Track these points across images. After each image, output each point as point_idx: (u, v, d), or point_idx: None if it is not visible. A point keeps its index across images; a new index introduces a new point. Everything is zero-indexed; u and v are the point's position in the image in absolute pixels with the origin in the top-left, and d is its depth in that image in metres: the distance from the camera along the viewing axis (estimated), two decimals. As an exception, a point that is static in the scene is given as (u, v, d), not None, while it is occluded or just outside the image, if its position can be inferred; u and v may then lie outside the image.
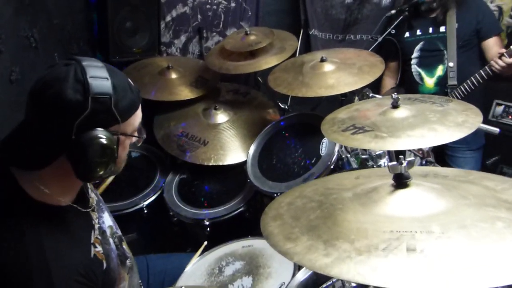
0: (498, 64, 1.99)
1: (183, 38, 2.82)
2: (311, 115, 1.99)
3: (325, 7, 2.76)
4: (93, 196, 1.19)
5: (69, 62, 0.94)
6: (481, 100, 2.28)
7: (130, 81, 1.03)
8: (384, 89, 2.52)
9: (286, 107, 2.40)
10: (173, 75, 2.35)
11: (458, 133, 1.17)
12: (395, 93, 1.35)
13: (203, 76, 2.39)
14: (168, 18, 2.75)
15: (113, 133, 0.95)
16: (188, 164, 2.15)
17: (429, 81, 2.35)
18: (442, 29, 2.27)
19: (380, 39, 2.32)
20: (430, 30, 2.31)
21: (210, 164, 2.08)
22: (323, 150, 1.75)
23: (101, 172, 0.94)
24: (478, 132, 2.27)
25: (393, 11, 2.33)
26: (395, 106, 1.34)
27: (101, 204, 1.22)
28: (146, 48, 2.65)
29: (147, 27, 2.63)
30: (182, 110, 2.32)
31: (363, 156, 1.78)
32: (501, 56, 1.99)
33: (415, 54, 2.35)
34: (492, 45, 2.19)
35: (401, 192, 0.79)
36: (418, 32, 2.33)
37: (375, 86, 2.25)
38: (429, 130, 1.20)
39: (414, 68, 2.37)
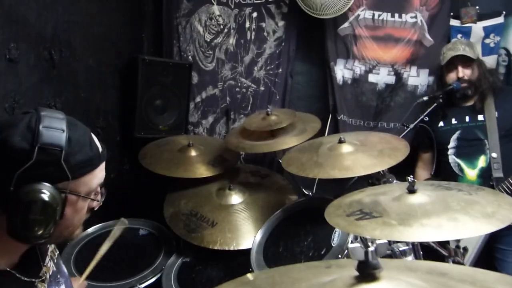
0: None
1: (210, 118, 2.83)
2: (324, 199, 1.79)
3: (355, 93, 2.69)
4: (50, 266, 1.05)
5: (30, 110, 0.88)
6: None
7: (97, 140, 0.95)
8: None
9: (310, 193, 2.23)
10: (193, 153, 2.29)
11: (486, 225, 0.95)
12: (411, 176, 1.17)
13: (223, 156, 2.31)
14: (198, 99, 2.80)
15: (60, 190, 0.84)
16: (194, 247, 1.98)
17: (471, 173, 2.18)
18: (480, 117, 2.16)
19: (412, 126, 2.16)
20: (467, 119, 2.20)
21: (216, 248, 1.90)
22: (335, 240, 1.53)
23: (39, 233, 0.82)
24: None
25: (425, 98, 2.22)
26: (411, 191, 1.15)
27: (59, 277, 1.07)
28: (173, 127, 2.66)
29: (176, 106, 2.67)
30: (195, 188, 2.21)
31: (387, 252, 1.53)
32: None
33: (452, 143, 2.21)
34: None
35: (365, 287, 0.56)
36: (454, 121, 2.23)
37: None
38: (449, 220, 0.99)
39: (453, 158, 2.21)
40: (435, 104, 2.18)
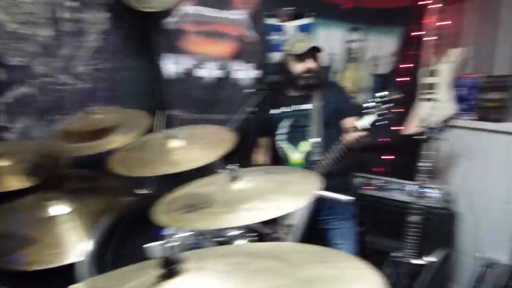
0: (344, 139, 2.09)
1: (23, 121, 2.47)
2: (157, 197, 1.74)
3: (186, 88, 2.71)
4: None
5: None
6: (345, 172, 2.37)
7: None
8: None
9: (150, 191, 2.14)
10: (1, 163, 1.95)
11: (296, 202, 1.05)
12: (234, 164, 1.21)
13: (41, 163, 2.04)
14: (3, 100, 2.40)
15: None
16: (12, 272, 1.69)
17: (296, 156, 2.36)
18: (307, 106, 2.35)
19: (240, 116, 2.27)
20: (296, 107, 2.38)
21: (38, 268, 1.66)
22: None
23: None
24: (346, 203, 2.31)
25: (252, 89, 2.36)
26: (233, 178, 1.20)
27: None
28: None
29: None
30: (6, 205, 1.89)
31: (219, 239, 1.56)
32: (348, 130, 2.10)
33: (282, 130, 2.38)
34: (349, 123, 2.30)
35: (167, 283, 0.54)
36: (284, 109, 2.39)
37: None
38: (266, 201, 1.06)
39: (281, 143, 2.38)
40: (263, 95, 2.32)
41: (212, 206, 1.09)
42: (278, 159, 2.40)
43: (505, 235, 2.55)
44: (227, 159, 1.70)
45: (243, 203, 1.07)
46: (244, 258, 0.58)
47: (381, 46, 3.14)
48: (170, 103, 2.68)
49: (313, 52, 2.34)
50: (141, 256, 1.45)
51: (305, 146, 2.33)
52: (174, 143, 1.68)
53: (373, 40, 3.12)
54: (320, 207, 2.28)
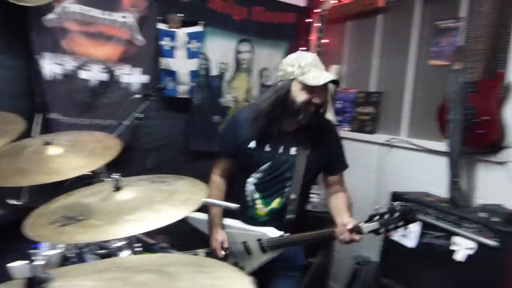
0: (344, 238, 1.68)
1: None
2: (31, 209, 1.59)
3: (67, 90, 2.53)
4: None
5: None
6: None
7: None
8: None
9: (20, 202, 1.93)
10: None
11: (182, 211, 1.05)
12: (118, 174, 1.16)
13: None
14: None
15: None
16: None
17: (262, 210, 1.89)
18: (293, 151, 1.84)
19: (126, 122, 2.19)
20: (281, 149, 1.85)
21: None
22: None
23: None
24: (297, 255, 1.99)
25: (138, 95, 2.29)
26: (117, 188, 1.15)
27: None
28: None
29: None
30: None
31: (101, 251, 1.48)
32: (348, 230, 1.66)
33: (258, 174, 1.86)
34: (336, 182, 1.97)
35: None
36: (267, 148, 1.84)
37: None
38: (152, 212, 1.04)
39: (251, 187, 1.88)
40: (149, 101, 2.25)
41: (93, 218, 1.03)
42: (239, 199, 1.85)
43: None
44: (111, 167, 1.61)
45: (127, 214, 1.04)
46: (122, 273, 0.56)
47: (269, 59, 3.30)
48: (49, 105, 2.47)
49: (327, 85, 1.77)
50: (7, 277, 1.31)
51: (276, 202, 1.86)
52: (53, 150, 1.55)
53: (261, 52, 3.27)
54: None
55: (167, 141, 2.99)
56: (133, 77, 2.71)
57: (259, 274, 1.81)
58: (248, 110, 1.94)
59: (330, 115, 3.23)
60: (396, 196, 2.40)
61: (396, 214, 1.63)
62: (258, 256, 1.86)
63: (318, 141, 1.86)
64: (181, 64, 2.84)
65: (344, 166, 1.99)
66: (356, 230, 1.66)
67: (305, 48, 3.53)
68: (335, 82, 1.78)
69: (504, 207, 2.01)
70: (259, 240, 1.83)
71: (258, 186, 1.86)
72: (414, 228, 2.26)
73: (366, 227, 1.66)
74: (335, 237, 1.71)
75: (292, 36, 3.41)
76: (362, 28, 3.23)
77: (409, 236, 2.29)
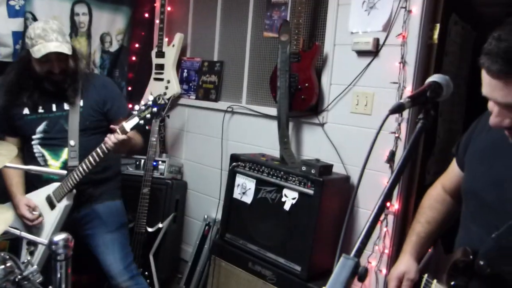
0: (110, 140, 1.89)
1: None
2: None
3: None
4: None
5: None
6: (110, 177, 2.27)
7: None
8: None
9: None
10: None
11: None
12: None
13: None
14: None
15: None
16: None
17: (54, 164, 2.10)
18: (66, 106, 2.08)
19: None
20: (54, 108, 2.09)
21: None
22: None
23: None
24: (114, 213, 2.21)
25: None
26: None
27: None
28: None
29: None
30: None
31: None
32: (114, 132, 1.90)
33: (38, 134, 2.08)
34: None
35: None
36: (40, 110, 2.08)
37: None
38: None
39: (38, 149, 2.09)
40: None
41: None
42: (36, 165, 2.04)
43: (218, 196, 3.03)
44: None
45: None
46: None
47: (110, 23, 3.15)
48: None
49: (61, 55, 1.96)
50: None
51: (65, 153, 2.08)
52: None
53: (101, 15, 3.09)
54: (80, 221, 2.16)
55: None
56: None
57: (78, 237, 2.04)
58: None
59: (174, 83, 3.27)
60: (234, 158, 2.59)
61: (149, 103, 1.86)
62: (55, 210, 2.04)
63: (89, 93, 2.11)
64: (1, 23, 2.50)
65: (124, 111, 2.17)
66: (121, 129, 1.87)
67: (147, 15, 3.46)
68: (62, 53, 1.93)
69: (321, 160, 2.34)
70: (47, 196, 2.05)
71: (42, 143, 2.07)
72: (250, 185, 2.48)
73: (128, 124, 1.87)
74: (107, 146, 1.89)
75: (134, 1, 3.29)
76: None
77: (247, 193, 2.52)
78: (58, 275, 1.14)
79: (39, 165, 2.06)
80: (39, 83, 2.01)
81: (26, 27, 2.60)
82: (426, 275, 1.24)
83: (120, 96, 2.33)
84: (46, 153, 2.09)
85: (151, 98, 1.85)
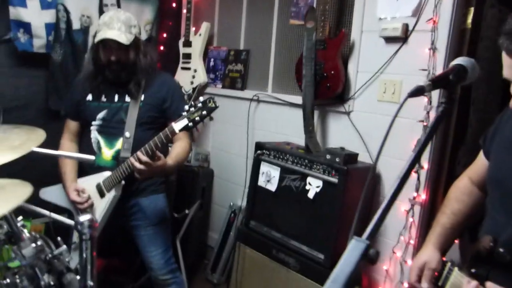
0: (135, 165, 1.86)
1: None
2: None
3: None
4: None
5: None
6: None
7: None
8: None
9: None
10: None
11: (11, 155, 1.03)
12: None
13: None
14: None
15: None
16: None
17: (107, 153, 2.12)
18: (127, 99, 2.10)
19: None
20: (116, 98, 2.13)
21: None
22: None
23: None
24: (157, 207, 2.21)
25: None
26: None
27: None
28: None
29: None
30: None
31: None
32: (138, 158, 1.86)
33: (97, 121, 2.12)
34: None
35: None
36: (103, 98, 2.13)
37: None
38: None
39: (94, 135, 2.13)
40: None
41: None
42: (87, 150, 2.10)
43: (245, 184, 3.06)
44: None
45: None
46: None
47: (138, 14, 3.19)
48: None
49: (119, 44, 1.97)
50: None
51: (119, 143, 2.09)
52: None
53: (129, 6, 3.14)
54: (128, 211, 2.17)
55: (24, 102, 2.76)
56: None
57: (121, 230, 2.19)
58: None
59: (201, 73, 3.30)
60: (258, 146, 2.60)
61: (199, 105, 1.80)
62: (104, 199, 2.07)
63: (151, 89, 2.12)
64: (34, 15, 2.59)
65: (182, 111, 2.06)
66: (170, 130, 1.84)
67: (175, 5, 3.49)
68: (115, 41, 1.94)
69: (345, 149, 2.31)
70: (97, 184, 2.08)
71: (100, 130, 2.11)
72: (275, 173, 2.49)
73: (177, 125, 1.83)
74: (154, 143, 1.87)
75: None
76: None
77: (272, 181, 2.52)
78: (84, 255, 1.18)
79: (93, 151, 2.11)
80: (102, 71, 2.06)
81: (58, 19, 2.69)
82: (449, 263, 1.22)
83: (180, 95, 2.33)
84: (101, 140, 2.12)
85: (201, 99, 1.81)
